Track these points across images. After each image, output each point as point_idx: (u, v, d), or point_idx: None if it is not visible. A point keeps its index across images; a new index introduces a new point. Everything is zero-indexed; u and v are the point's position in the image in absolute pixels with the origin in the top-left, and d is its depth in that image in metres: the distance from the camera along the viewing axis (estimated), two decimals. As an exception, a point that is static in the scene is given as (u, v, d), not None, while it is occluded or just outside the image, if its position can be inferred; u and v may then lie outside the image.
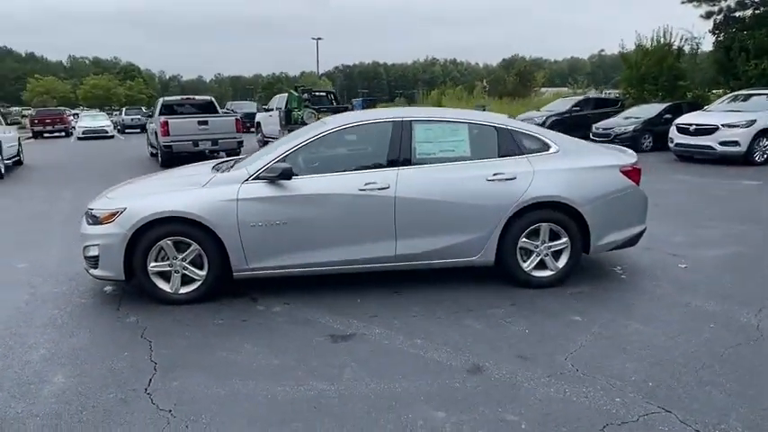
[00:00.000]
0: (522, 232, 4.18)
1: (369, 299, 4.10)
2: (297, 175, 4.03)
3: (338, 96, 16.74)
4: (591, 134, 15.63)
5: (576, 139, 4.70)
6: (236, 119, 13.33)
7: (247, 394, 2.80)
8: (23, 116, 36.08)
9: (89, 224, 4.07)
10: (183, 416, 2.62)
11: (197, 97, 15.36)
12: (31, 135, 28.23)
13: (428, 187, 4.09)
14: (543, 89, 43.41)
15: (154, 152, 14.30)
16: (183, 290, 4.04)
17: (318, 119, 13.98)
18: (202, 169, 4.66)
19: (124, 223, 3.90)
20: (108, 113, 39.07)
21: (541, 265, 4.28)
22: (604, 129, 15.27)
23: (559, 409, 2.64)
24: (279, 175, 3.93)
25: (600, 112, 17.11)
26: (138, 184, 4.65)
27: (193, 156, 13.31)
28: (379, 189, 4.01)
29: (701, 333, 3.44)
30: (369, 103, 15.18)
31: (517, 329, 3.56)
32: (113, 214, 3.95)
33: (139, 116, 33.21)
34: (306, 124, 13.69)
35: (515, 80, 42.66)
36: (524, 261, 4.25)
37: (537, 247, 4.23)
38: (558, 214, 4.18)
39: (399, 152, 4.16)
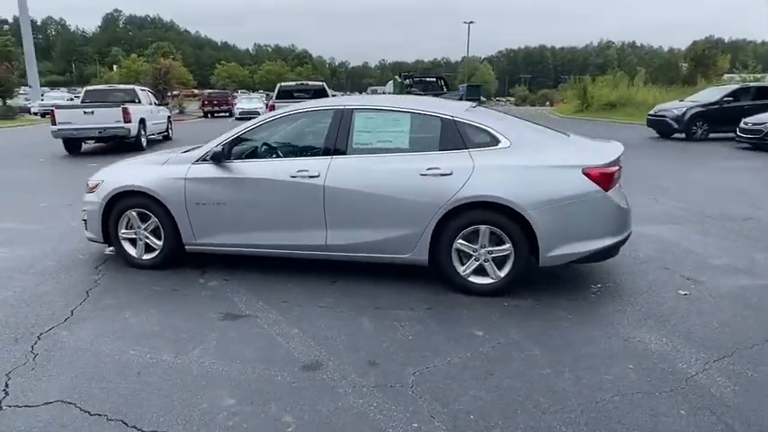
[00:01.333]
0: (458, 233, 3.85)
1: (303, 285, 4.15)
2: (241, 159, 4.23)
3: (448, 82, 16.45)
4: (737, 130, 13.21)
5: (548, 132, 4.11)
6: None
7: (101, 352, 3.11)
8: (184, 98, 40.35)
9: (85, 192, 4.76)
10: (41, 359, 3.03)
11: (310, 83, 16.39)
12: (202, 114, 32.76)
13: (358, 178, 3.97)
14: (729, 75, 37.48)
15: None
16: (146, 256, 4.53)
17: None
18: (179, 150, 5.01)
19: (100, 194, 4.49)
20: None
21: (482, 271, 3.90)
22: (755, 124, 12.76)
23: (344, 421, 2.47)
24: (211, 158, 4.18)
25: (761, 104, 14.27)
26: (131, 159, 5.24)
27: None
28: (309, 177, 4.02)
29: (604, 373, 2.87)
30: (475, 90, 14.58)
31: (401, 335, 3.33)
32: (96, 185, 4.57)
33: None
34: None
35: (691, 65, 37.44)
36: (462, 264, 3.92)
37: (476, 251, 3.86)
38: (499, 217, 3.75)
39: (336, 141, 4.10)
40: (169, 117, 17.23)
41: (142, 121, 13.93)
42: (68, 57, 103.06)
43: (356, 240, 4.04)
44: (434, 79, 16.90)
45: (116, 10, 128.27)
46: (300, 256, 4.25)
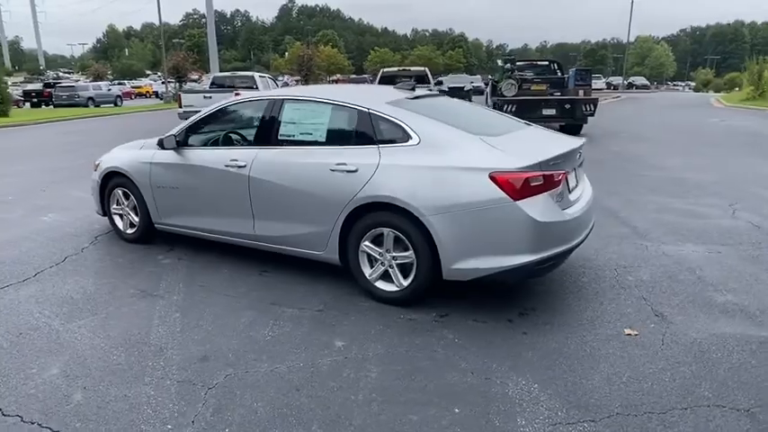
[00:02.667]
0: (364, 234, 3.60)
1: (235, 272, 4.25)
2: (193, 147, 4.45)
3: (562, 67, 14.96)
4: None
5: (467, 130, 3.52)
6: (430, 90, 13.61)
7: (11, 312, 3.57)
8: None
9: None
10: (-29, 313, 3.60)
11: (413, 68, 16.25)
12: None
13: (278, 170, 3.91)
14: None
15: None
16: (129, 231, 5.03)
17: (520, 89, 13.16)
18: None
19: (98, 172, 5.09)
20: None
21: (389, 277, 3.60)
22: None
23: (118, 408, 2.52)
24: (158, 144, 4.45)
25: None
26: (132, 143, 5.73)
27: None
28: (238, 167, 4.07)
29: (416, 412, 2.48)
30: (583, 75, 12.95)
31: (263, 334, 3.24)
32: (97, 165, 5.18)
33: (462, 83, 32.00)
34: (504, 96, 13.08)
35: None
36: (371, 268, 3.66)
37: (381, 255, 3.58)
38: (401, 220, 3.41)
39: (264, 132, 4.08)
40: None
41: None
42: (249, 45, 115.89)
43: (278, 233, 4.01)
44: (547, 63, 15.54)
45: (290, 1, 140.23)
46: (235, 242, 4.35)
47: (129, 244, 4.99)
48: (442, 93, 22.76)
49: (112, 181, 4.99)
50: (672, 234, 5.10)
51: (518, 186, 3.12)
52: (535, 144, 3.61)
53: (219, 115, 4.49)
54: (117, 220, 5.10)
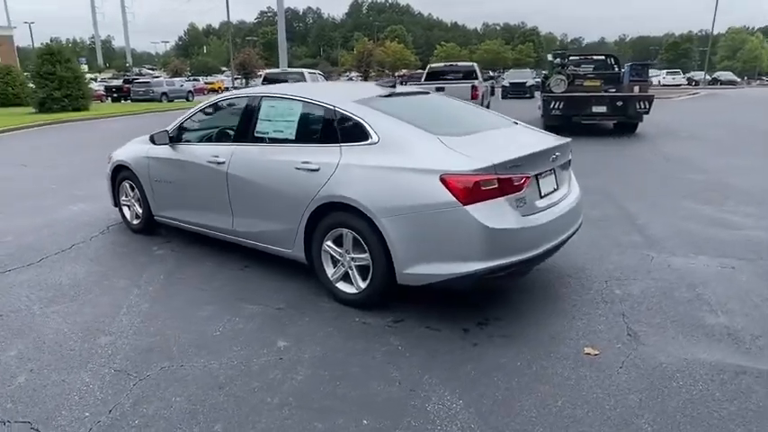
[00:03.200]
0: (326, 234, 3.56)
1: (217, 266, 4.34)
2: (185, 142, 4.58)
3: (619, 62, 14.05)
4: None
5: (429, 130, 3.34)
6: (473, 86, 13.30)
7: (5, 294, 3.84)
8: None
9: (109, 163, 5.71)
10: (-29, 293, 3.91)
11: (460, 63, 15.87)
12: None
13: (251, 167, 3.95)
14: None
15: None
16: (135, 222, 5.28)
17: (569, 84, 12.53)
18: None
19: (109, 165, 5.37)
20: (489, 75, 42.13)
21: (350, 278, 3.54)
22: None
23: (46, 394, 2.65)
24: (149, 139, 4.61)
25: None
26: (143, 137, 5.94)
27: None
28: (217, 163, 4.15)
29: (261, 419, 2.42)
30: (639, 70, 12.05)
31: (214, 329, 3.29)
32: (110, 158, 5.46)
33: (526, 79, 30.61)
34: (552, 93, 12.54)
35: None
36: (334, 268, 3.62)
37: (342, 256, 3.52)
38: (358, 221, 3.34)
39: (242, 129, 4.13)
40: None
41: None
42: (319, 42, 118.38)
43: (253, 229, 4.05)
44: (603, 58, 14.67)
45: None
46: (218, 237, 4.44)
47: (134, 234, 5.24)
48: (503, 88, 22.16)
49: (121, 174, 5.25)
50: (688, 245, 4.66)
51: (467, 190, 2.95)
52: (502, 145, 3.40)
53: (210, 111, 4.60)
54: (126, 211, 5.37)
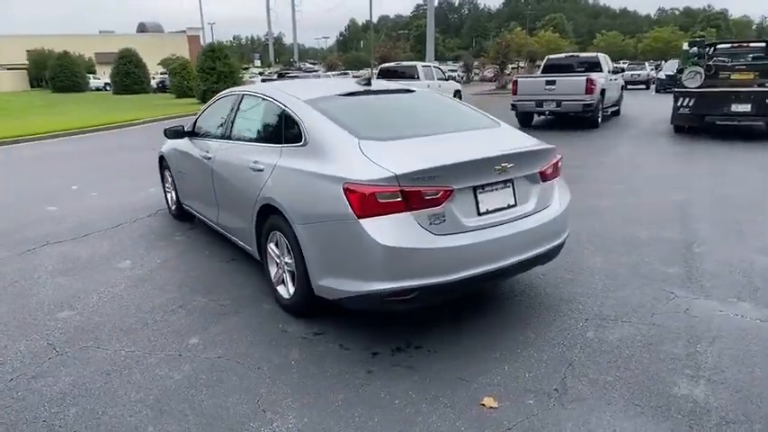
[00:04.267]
0: (268, 236, 3.51)
1: (210, 257, 4.57)
2: (196, 137, 4.85)
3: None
4: None
5: (357, 133, 3.05)
6: (588, 79, 11.94)
7: (34, 261, 4.47)
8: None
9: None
10: (30, 254, 4.62)
11: (582, 54, 14.31)
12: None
13: (226, 164, 4.05)
14: None
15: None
16: (172, 208, 5.75)
17: (709, 77, 10.66)
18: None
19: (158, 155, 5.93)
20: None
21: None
22: None
23: (-17, 357, 3.02)
24: (164, 133, 4.94)
25: None
26: None
27: (530, 117, 13.13)
28: (207, 158, 4.33)
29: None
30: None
31: (147, 323, 3.45)
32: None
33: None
34: (685, 88, 10.86)
35: None
36: (275, 270, 3.57)
37: (280, 258, 3.45)
38: (285, 226, 3.23)
39: (227, 125, 4.24)
40: (458, 91, 18.27)
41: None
42: (473, 33, 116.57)
43: (229, 224, 4.17)
44: (765, 45, 12.11)
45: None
46: (213, 227, 4.64)
47: (172, 220, 5.72)
48: (659, 81, 19.38)
49: (163, 163, 5.77)
50: (740, 286, 3.67)
51: (362, 202, 2.67)
52: (433, 151, 2.98)
53: (215, 107, 4.80)
54: (169, 198, 5.89)
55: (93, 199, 6.78)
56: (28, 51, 48.92)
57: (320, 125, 3.21)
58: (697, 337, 3.03)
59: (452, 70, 45.68)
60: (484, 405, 2.48)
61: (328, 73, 48.15)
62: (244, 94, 4.16)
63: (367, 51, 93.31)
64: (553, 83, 12.32)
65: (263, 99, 3.84)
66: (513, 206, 3.06)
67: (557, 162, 3.35)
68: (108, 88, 41.66)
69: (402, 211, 2.68)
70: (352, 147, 2.95)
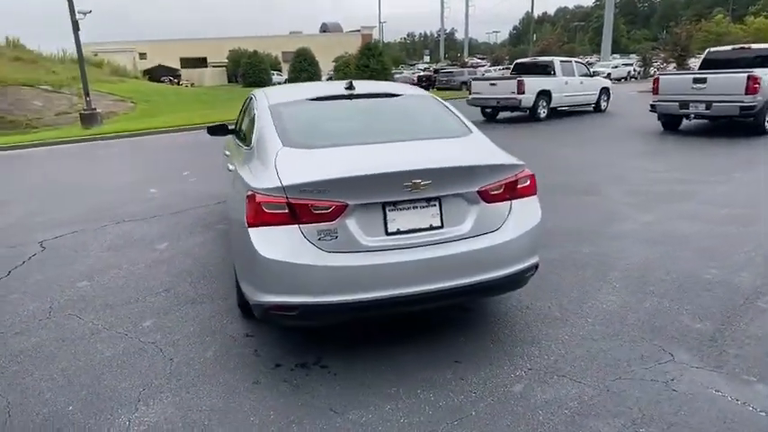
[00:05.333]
0: (233, 235, 3.64)
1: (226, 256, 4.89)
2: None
3: None
4: None
5: (290, 141, 2.98)
6: (751, 77, 9.76)
7: (100, 234, 5.25)
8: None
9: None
10: (49, 248, 5.49)
11: (755, 46, 11.65)
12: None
13: (227, 163, 4.24)
14: None
15: None
16: (232, 197, 6.24)
17: None
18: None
19: (228, 148, 6.46)
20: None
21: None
22: None
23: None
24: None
25: None
26: None
27: (675, 120, 11.20)
28: (226, 155, 4.61)
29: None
30: None
31: (135, 295, 3.83)
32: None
33: None
34: None
35: None
36: (240, 269, 3.69)
37: (237, 258, 3.56)
38: (232, 228, 3.32)
39: (238, 125, 4.43)
40: (605, 89, 16.48)
41: (544, 93, 14.43)
42: (664, 22, 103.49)
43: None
44: None
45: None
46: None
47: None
48: None
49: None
50: (777, 361, 2.75)
51: (253, 211, 2.61)
52: (358, 161, 2.78)
53: (245, 109, 5.05)
54: (233, 188, 6.40)
55: (191, 185, 7.68)
56: (230, 51, 56.65)
57: (264, 129, 3.21)
58: (650, 418, 2.37)
59: (627, 64, 41.27)
60: (328, 443, 2.28)
61: (490, 68, 47.24)
62: (250, 96, 4.33)
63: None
64: (703, 80, 10.40)
65: (251, 101, 3.96)
66: (438, 228, 2.72)
67: (513, 181, 2.87)
68: (286, 83, 46.41)
69: (288, 224, 2.57)
70: (272, 153, 2.90)
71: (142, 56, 55.36)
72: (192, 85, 49.61)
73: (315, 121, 3.35)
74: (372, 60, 27.11)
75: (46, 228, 5.68)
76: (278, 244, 2.57)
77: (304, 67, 41.40)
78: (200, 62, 58.86)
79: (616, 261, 4.18)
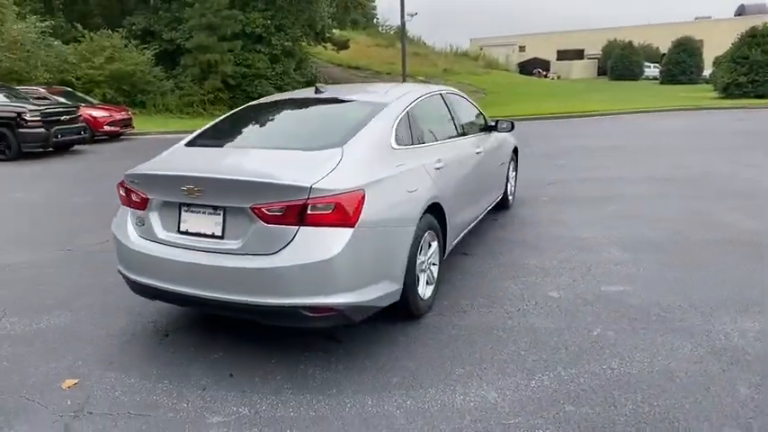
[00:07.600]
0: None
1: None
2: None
3: None
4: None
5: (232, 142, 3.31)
6: None
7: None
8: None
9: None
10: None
11: None
12: None
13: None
14: None
15: None
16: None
17: None
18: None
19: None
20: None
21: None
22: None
23: None
24: None
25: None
26: None
27: None
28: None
29: None
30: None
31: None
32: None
33: None
34: None
35: None
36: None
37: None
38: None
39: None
40: None
41: None
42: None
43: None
44: None
45: None
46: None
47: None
48: None
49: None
50: None
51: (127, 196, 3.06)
52: (199, 161, 3.04)
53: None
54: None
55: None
56: (608, 42, 52.92)
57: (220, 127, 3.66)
58: None
59: None
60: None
61: None
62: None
63: None
64: None
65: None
66: (219, 237, 2.66)
67: (299, 205, 2.46)
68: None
69: (126, 205, 3.02)
70: (172, 148, 3.35)
71: (522, 49, 58.11)
72: (558, 77, 49.36)
73: (240, 122, 3.63)
74: (755, 51, 21.31)
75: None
76: (117, 221, 3.09)
77: (681, 59, 35.81)
78: (577, 54, 57.60)
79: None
